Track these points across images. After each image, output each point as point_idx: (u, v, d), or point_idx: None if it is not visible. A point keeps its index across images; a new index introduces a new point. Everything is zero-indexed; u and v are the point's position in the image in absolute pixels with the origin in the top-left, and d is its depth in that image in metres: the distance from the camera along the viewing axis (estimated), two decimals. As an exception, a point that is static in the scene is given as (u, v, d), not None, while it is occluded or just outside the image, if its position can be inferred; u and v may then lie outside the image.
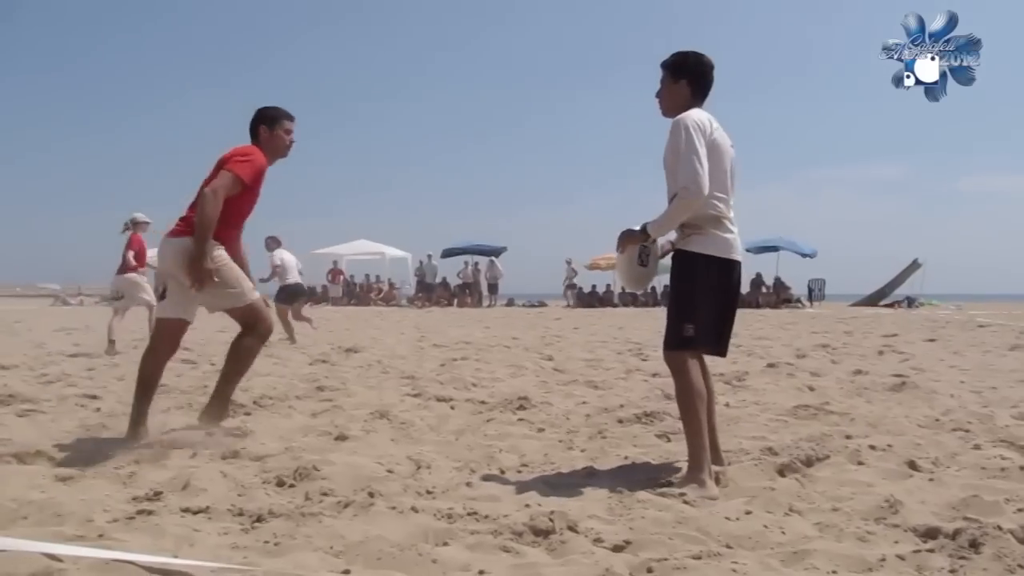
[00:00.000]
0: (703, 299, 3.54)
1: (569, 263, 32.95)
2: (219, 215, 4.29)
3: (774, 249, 32.37)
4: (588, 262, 33.86)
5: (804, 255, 33.08)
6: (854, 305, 30.91)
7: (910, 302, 29.10)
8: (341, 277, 34.39)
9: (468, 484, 3.47)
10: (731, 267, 3.58)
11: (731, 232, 3.58)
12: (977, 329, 14.45)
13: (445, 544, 2.70)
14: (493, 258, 32.98)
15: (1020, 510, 2.99)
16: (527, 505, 3.13)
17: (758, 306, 27.81)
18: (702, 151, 3.43)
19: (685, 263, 3.57)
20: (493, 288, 32.91)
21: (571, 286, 32.80)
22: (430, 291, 32.67)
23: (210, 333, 12.46)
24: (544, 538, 2.74)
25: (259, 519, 2.94)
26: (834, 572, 2.43)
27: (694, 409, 3.48)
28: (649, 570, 2.41)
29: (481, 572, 2.42)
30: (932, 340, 11.85)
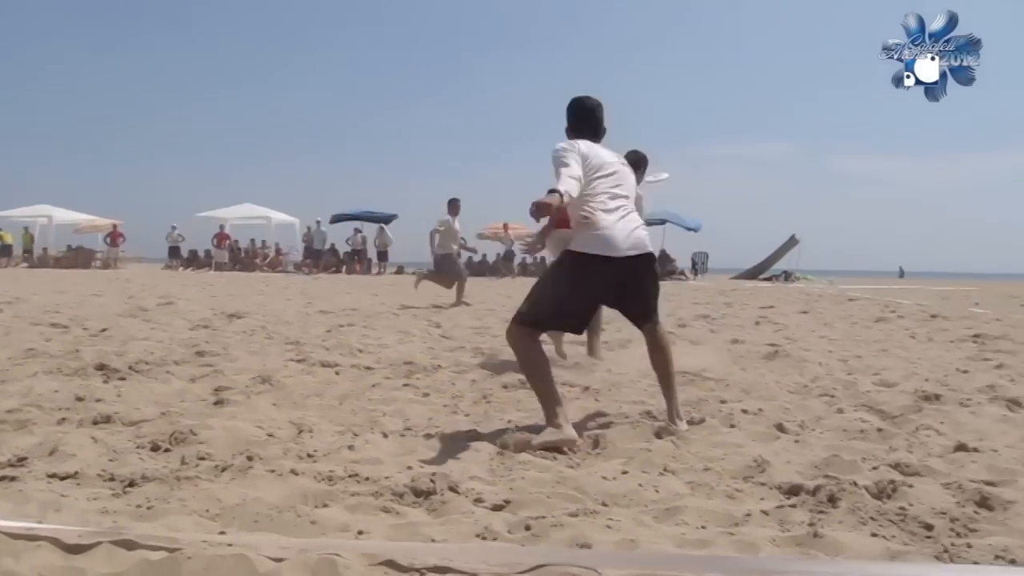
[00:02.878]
0: (547, 286, 3.96)
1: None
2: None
3: (660, 222, 33.04)
4: (483, 231, 33.78)
5: (689, 229, 33.95)
6: (735, 278, 32.03)
7: (787, 276, 30.34)
8: (227, 242, 33.41)
9: (350, 447, 3.44)
10: (595, 261, 3.80)
11: (600, 230, 3.79)
12: (847, 303, 15.18)
13: (325, 506, 2.69)
14: (383, 225, 32.51)
15: (875, 468, 3.18)
16: (409, 467, 3.14)
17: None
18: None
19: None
20: (383, 255, 32.55)
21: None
22: (318, 257, 32.09)
23: (83, 297, 11.93)
24: (425, 499, 2.76)
25: (131, 484, 2.86)
26: (703, 527, 2.53)
27: (527, 372, 3.89)
28: (527, 528, 2.46)
29: (360, 532, 2.42)
30: (805, 312, 12.40)
